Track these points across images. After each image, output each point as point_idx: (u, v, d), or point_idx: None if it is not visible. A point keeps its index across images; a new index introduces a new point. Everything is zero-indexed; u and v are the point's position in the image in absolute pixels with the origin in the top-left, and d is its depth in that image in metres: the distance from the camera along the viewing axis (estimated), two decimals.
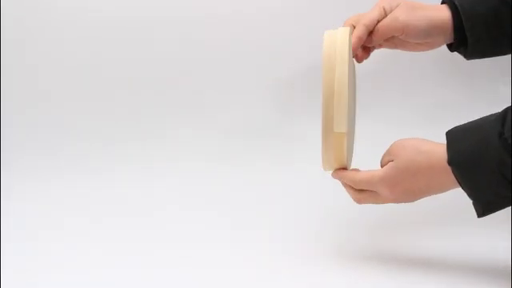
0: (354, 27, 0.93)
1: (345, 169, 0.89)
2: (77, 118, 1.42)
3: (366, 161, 0.91)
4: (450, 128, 0.83)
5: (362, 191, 0.89)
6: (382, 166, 0.88)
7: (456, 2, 0.93)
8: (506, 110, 0.78)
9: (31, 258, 0.99)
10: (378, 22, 0.93)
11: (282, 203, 1.16)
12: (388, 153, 0.87)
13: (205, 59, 1.44)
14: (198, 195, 1.22)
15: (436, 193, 0.84)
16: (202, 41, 1.44)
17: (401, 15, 0.92)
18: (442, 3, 0.96)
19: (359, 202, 0.90)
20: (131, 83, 1.44)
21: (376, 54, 0.98)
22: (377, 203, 0.89)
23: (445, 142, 0.82)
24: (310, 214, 1.11)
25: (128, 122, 1.42)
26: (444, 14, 0.93)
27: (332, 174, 0.91)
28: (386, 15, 0.93)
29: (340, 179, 0.90)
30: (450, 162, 0.79)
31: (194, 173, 1.32)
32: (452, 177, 0.80)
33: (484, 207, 0.80)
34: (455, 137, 0.80)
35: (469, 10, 0.93)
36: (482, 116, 0.82)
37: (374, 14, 0.93)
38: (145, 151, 1.38)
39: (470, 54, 0.96)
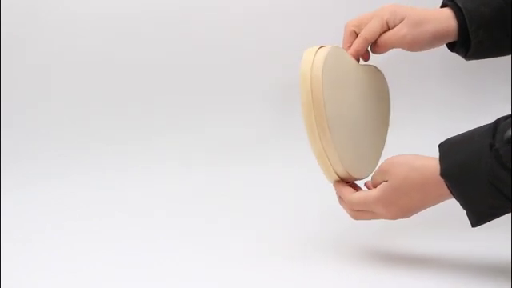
0: (356, 33, 0.92)
1: (345, 180, 0.90)
2: (77, 118, 1.42)
3: None
4: (449, 128, 0.83)
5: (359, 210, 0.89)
6: (373, 185, 0.88)
7: (460, 4, 0.91)
8: (496, 121, 0.78)
9: (31, 258, 0.99)
10: (380, 34, 0.91)
11: (281, 204, 1.16)
12: (380, 171, 0.87)
13: (205, 60, 1.45)
14: (199, 195, 1.22)
15: (432, 205, 0.85)
16: (203, 42, 1.44)
17: (408, 33, 0.90)
18: (442, 6, 0.94)
19: (355, 218, 0.90)
20: (131, 84, 1.44)
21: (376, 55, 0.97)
22: (374, 219, 0.89)
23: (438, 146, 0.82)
24: (309, 214, 1.11)
25: (128, 123, 1.42)
26: (449, 23, 0.91)
27: (334, 185, 0.91)
28: (388, 28, 0.91)
29: (338, 193, 0.91)
30: (443, 174, 0.79)
31: (194, 173, 1.32)
32: (446, 188, 0.80)
33: (477, 218, 0.80)
34: (448, 149, 0.80)
35: (473, 11, 0.90)
36: (481, 116, 0.82)
37: (376, 27, 0.90)
38: (144, 152, 1.38)
39: (470, 55, 0.94)
